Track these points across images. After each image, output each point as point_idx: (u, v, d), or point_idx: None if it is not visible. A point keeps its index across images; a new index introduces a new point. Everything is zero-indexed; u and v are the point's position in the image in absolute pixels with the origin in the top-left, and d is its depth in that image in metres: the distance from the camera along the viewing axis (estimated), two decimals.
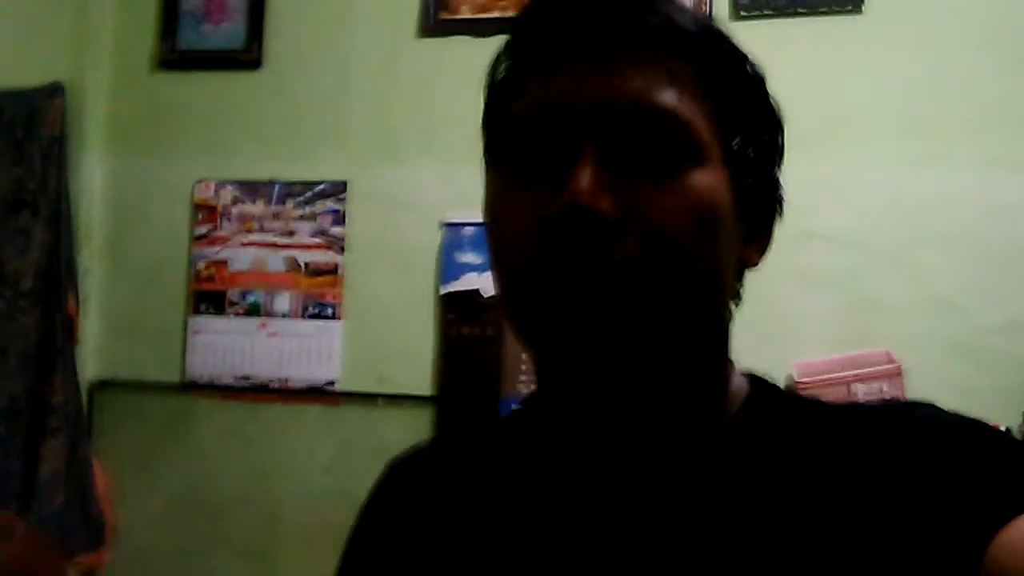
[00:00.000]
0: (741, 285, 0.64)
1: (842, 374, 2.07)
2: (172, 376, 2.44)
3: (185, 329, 2.46)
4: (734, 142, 0.59)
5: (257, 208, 2.46)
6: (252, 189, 2.47)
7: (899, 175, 2.19)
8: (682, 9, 0.59)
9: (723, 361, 0.64)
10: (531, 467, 0.65)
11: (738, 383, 0.65)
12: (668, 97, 0.55)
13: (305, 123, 2.48)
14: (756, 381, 0.66)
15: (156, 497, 2.42)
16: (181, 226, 2.48)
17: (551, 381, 0.64)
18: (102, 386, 2.46)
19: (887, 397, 2.02)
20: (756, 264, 0.64)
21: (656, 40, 0.57)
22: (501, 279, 0.60)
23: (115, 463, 2.35)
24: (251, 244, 2.46)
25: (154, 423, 2.44)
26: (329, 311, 2.42)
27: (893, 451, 0.56)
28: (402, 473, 0.75)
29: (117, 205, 2.52)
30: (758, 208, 0.63)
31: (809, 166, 2.20)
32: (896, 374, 2.08)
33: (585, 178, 0.53)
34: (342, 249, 2.43)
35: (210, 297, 2.46)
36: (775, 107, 0.63)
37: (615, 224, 0.53)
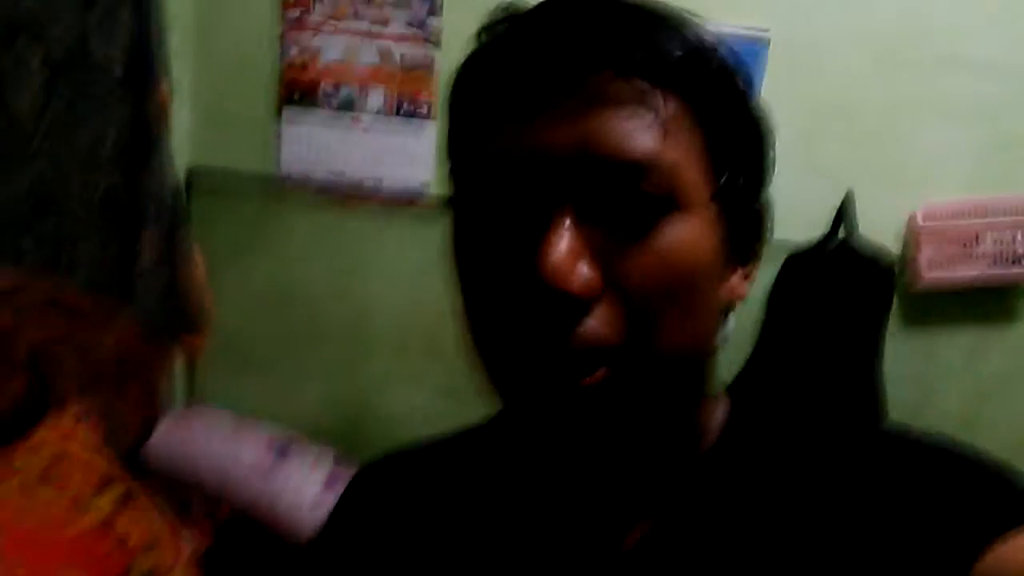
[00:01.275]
0: (727, 320, 0.62)
1: (970, 221, 1.91)
2: (265, 168, 2.40)
3: (278, 120, 2.39)
4: (724, 174, 0.56)
5: None
6: None
7: None
8: (671, 26, 0.56)
9: (702, 404, 0.63)
10: (497, 492, 0.66)
11: (717, 415, 0.64)
12: (647, 143, 0.52)
13: None
14: (735, 407, 0.64)
15: (249, 289, 2.46)
16: (271, 8, 2.35)
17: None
18: (194, 176, 2.44)
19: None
20: (743, 296, 0.61)
21: (640, 72, 0.53)
22: (467, 322, 0.59)
23: (207, 253, 2.37)
24: (343, 32, 2.33)
25: (246, 215, 2.43)
26: (424, 109, 2.32)
27: (869, 477, 0.57)
28: (370, 481, 0.77)
29: None
30: (748, 234, 0.61)
31: None
32: None
33: (557, 250, 0.51)
34: (438, 43, 2.29)
35: (302, 88, 2.37)
36: (763, 123, 0.60)
37: (586, 304, 0.52)
